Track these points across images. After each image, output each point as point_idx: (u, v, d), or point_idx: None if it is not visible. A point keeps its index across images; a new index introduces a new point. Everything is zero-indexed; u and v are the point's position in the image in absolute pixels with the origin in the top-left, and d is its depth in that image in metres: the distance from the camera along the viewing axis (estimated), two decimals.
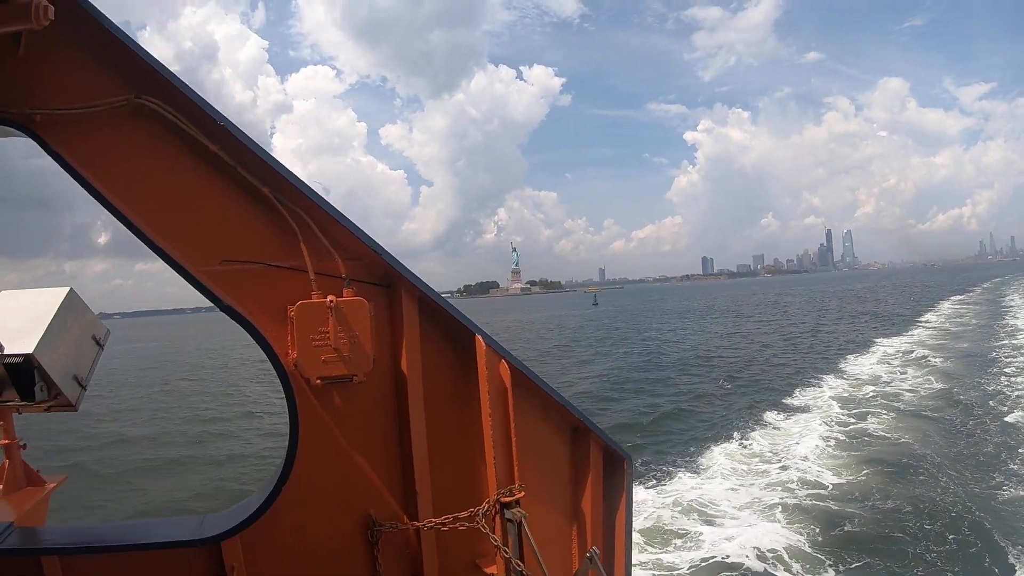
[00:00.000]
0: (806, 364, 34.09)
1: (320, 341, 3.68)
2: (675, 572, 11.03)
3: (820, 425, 20.01)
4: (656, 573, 11.03)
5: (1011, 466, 15.12)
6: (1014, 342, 35.11)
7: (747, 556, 11.25)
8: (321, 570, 3.98)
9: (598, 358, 44.64)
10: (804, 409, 22.84)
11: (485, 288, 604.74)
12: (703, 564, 11.20)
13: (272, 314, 3.78)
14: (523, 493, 3.91)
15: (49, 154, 3.44)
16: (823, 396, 25.11)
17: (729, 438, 19.58)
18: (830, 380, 28.55)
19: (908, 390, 25.17)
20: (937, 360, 31.11)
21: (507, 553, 3.79)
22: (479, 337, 4.01)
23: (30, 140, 3.50)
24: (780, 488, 14.52)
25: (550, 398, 4.27)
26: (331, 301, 3.67)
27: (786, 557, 11.27)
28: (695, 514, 13.32)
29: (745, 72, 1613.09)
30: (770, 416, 21.93)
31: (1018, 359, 29.74)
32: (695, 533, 12.36)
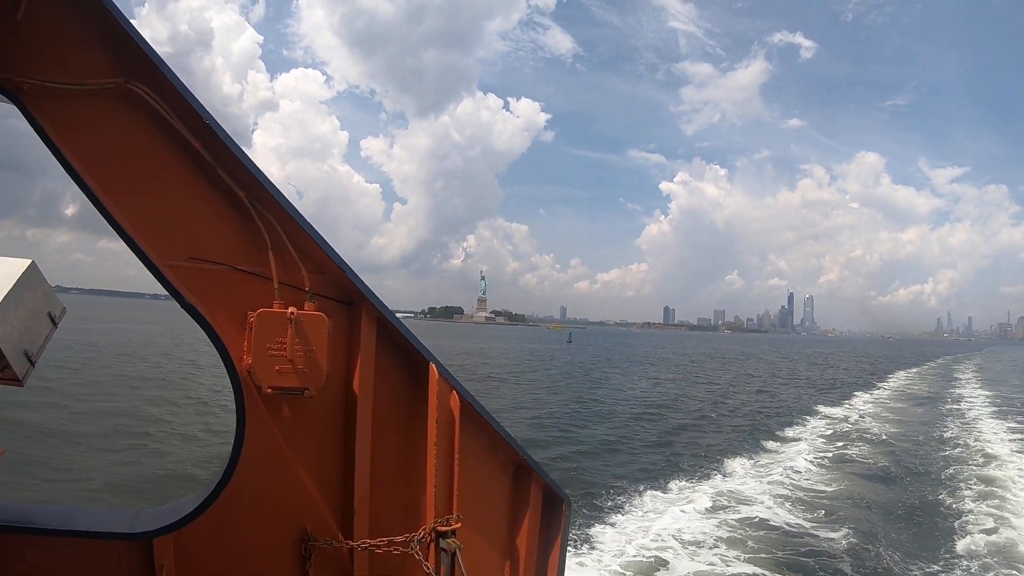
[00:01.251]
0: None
1: (276, 351, 3.71)
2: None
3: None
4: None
5: (946, 479, 20.67)
6: (956, 407, 41.46)
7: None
8: None
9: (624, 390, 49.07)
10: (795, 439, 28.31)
11: (450, 313, 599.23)
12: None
13: (232, 318, 3.79)
14: (460, 524, 3.98)
15: (31, 124, 3.41)
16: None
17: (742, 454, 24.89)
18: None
19: (878, 430, 30.75)
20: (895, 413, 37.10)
21: None
22: (433, 365, 4.05)
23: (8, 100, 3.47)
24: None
25: (496, 433, 4.33)
26: (292, 312, 3.71)
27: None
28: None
29: (727, 130, 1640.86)
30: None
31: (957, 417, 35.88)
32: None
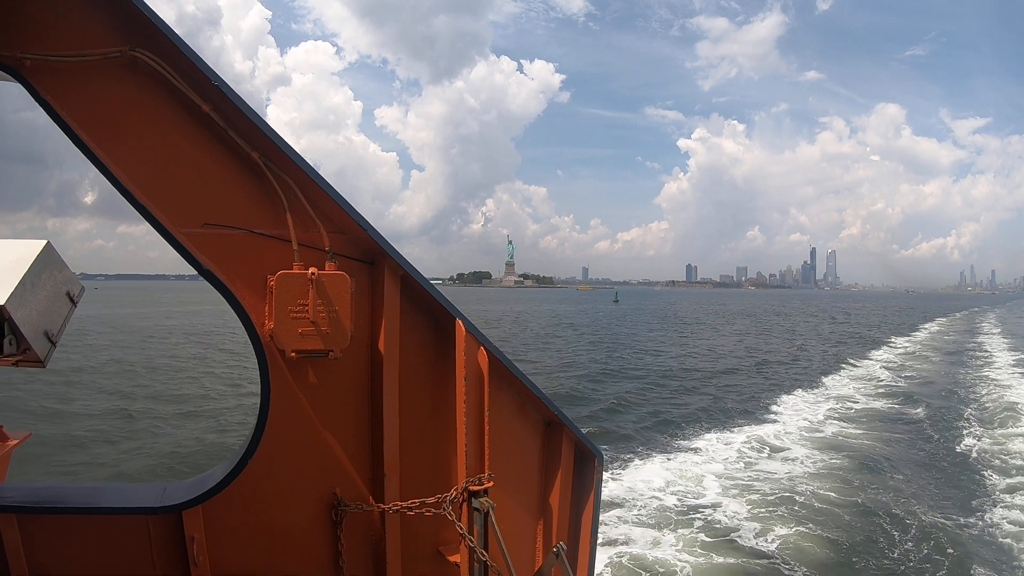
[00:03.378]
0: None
1: (298, 313, 3.65)
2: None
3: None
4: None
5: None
6: (980, 351, 51.19)
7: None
8: (282, 546, 3.99)
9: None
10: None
11: (478, 278, 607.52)
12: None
13: (251, 282, 3.73)
14: (492, 483, 3.92)
15: (38, 102, 3.35)
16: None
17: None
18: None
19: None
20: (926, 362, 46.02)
21: (472, 542, 3.77)
22: (459, 322, 3.99)
23: (23, 91, 3.40)
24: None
25: (526, 389, 4.32)
26: (313, 273, 3.64)
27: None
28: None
29: (745, 85, 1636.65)
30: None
31: (977, 360, 44.61)
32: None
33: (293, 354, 3.67)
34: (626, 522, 13.49)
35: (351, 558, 4.03)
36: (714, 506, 14.60)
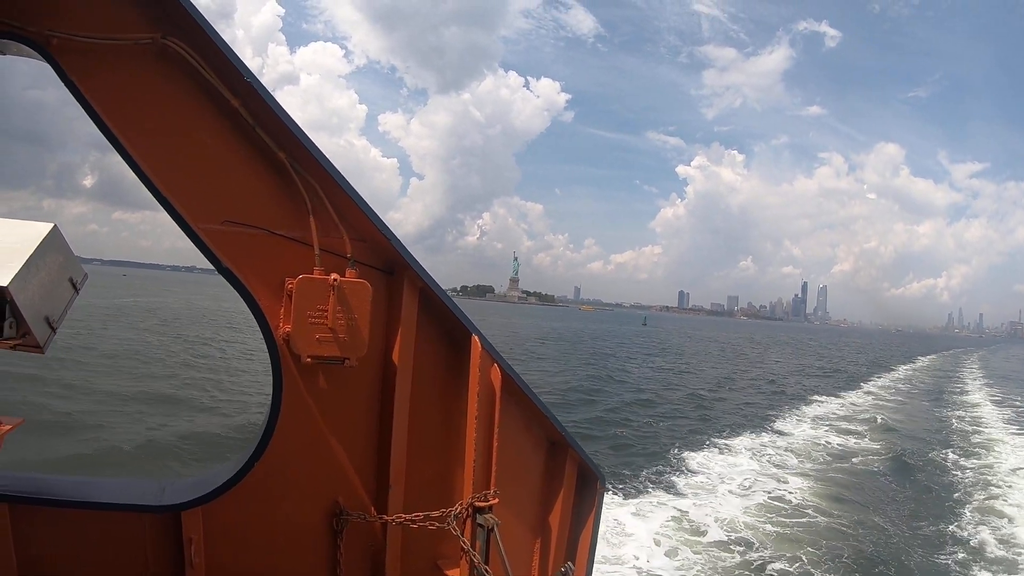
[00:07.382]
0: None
1: (317, 319, 3.62)
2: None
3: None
4: None
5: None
6: (960, 388, 53.48)
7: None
8: (280, 552, 3.97)
9: None
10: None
11: (482, 291, 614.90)
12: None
13: (269, 283, 3.70)
14: (497, 499, 3.93)
15: (63, 82, 3.30)
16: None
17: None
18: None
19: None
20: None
21: (476, 558, 3.78)
22: (476, 337, 4.00)
23: (32, 69, 3.34)
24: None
25: (535, 408, 4.30)
26: (335, 279, 3.63)
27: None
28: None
29: (747, 116, 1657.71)
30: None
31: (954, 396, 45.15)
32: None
33: (308, 359, 3.66)
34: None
35: (349, 568, 4.02)
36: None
